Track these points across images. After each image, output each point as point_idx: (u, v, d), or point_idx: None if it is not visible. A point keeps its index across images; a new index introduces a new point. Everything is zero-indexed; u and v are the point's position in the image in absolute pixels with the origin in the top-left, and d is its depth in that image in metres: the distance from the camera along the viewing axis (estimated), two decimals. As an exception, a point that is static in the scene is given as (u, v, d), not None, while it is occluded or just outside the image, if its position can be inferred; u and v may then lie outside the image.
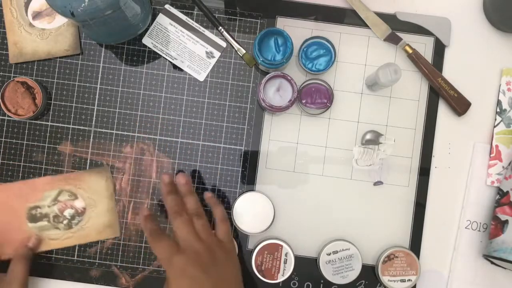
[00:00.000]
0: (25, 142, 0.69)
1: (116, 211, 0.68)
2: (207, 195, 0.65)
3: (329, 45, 0.67)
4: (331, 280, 0.66)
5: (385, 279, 0.66)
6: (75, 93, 0.69)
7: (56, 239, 0.68)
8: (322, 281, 0.68)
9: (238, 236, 0.68)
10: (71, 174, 0.68)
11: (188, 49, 0.69)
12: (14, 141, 0.69)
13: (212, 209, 0.64)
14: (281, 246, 0.65)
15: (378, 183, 0.69)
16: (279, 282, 0.67)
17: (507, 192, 0.65)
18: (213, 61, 0.69)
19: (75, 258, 0.68)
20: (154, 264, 0.68)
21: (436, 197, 0.69)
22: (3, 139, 0.69)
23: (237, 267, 0.61)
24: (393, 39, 0.69)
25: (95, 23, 0.59)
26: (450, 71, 0.69)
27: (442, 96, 0.68)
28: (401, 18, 0.69)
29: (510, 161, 0.68)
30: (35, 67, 0.69)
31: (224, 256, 0.59)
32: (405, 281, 0.66)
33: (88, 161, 0.69)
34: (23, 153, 0.69)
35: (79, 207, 0.68)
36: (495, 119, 0.69)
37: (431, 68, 0.68)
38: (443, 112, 0.69)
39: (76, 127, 0.69)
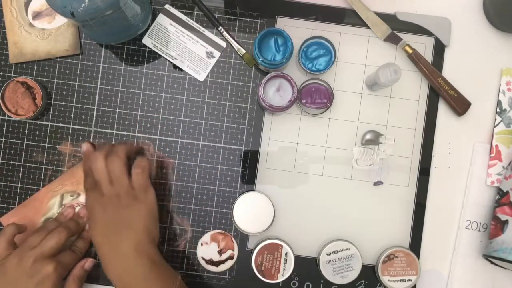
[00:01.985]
0: (25, 142, 0.69)
1: None
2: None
3: (329, 45, 0.67)
4: (331, 280, 0.66)
5: (385, 279, 0.66)
6: (75, 93, 0.69)
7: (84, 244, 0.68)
8: (322, 281, 0.68)
9: (238, 236, 0.68)
10: (64, 175, 0.68)
11: (188, 49, 0.69)
12: (14, 141, 0.69)
13: (136, 159, 0.65)
14: (281, 246, 0.66)
15: (378, 183, 0.69)
16: (279, 282, 0.67)
17: (507, 192, 0.65)
18: (213, 61, 0.69)
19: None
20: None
21: (436, 197, 0.69)
22: (3, 139, 0.69)
23: (143, 214, 0.61)
24: (393, 39, 0.69)
25: (95, 23, 0.59)
26: (450, 71, 0.69)
27: (442, 96, 0.68)
28: (401, 18, 0.69)
29: (510, 161, 0.68)
30: (35, 67, 0.69)
31: (129, 203, 0.61)
32: (405, 281, 0.66)
33: (88, 161, 0.69)
34: (23, 153, 0.69)
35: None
36: (495, 119, 0.69)
37: (431, 68, 0.68)
38: (443, 112, 0.69)
39: (76, 127, 0.69)
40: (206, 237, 0.67)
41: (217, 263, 0.67)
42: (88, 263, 0.65)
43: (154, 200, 0.63)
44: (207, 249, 0.67)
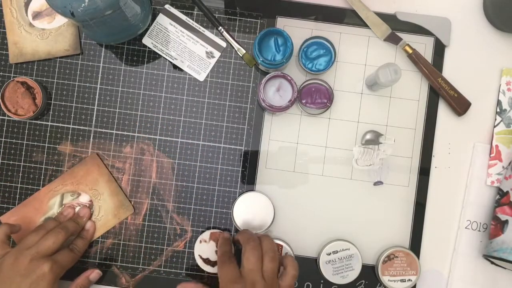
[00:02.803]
0: (25, 142, 0.69)
1: (121, 189, 0.68)
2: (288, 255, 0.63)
3: (329, 45, 0.67)
4: (331, 280, 0.66)
5: (385, 279, 0.66)
6: (75, 93, 0.69)
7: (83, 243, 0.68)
8: (322, 281, 0.68)
9: (238, 236, 0.68)
10: (65, 175, 0.68)
11: (188, 49, 0.69)
12: (14, 141, 0.69)
13: (284, 258, 0.62)
14: (281, 246, 0.65)
15: (378, 183, 0.69)
16: (279, 282, 0.67)
17: (507, 192, 0.65)
18: (213, 61, 0.69)
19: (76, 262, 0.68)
20: (154, 264, 0.68)
21: (436, 197, 0.69)
22: (3, 139, 0.69)
23: None
24: (393, 39, 0.69)
25: (95, 23, 0.59)
26: (450, 71, 0.69)
27: (442, 96, 0.68)
28: (401, 18, 0.69)
29: (510, 161, 0.68)
30: (35, 67, 0.69)
31: None
32: (405, 281, 0.66)
33: (88, 161, 0.69)
34: (23, 153, 0.69)
35: (85, 201, 0.68)
36: (495, 119, 0.69)
37: (431, 68, 0.68)
38: (443, 112, 0.69)
39: (76, 127, 0.69)
40: (206, 234, 0.67)
41: (213, 264, 0.67)
42: (94, 274, 0.65)
43: None
44: (206, 247, 0.67)
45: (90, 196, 0.68)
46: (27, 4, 0.69)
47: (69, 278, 0.68)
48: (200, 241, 0.67)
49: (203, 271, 0.68)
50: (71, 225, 0.65)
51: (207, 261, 0.67)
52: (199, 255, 0.67)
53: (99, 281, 0.68)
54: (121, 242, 0.68)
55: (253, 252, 0.59)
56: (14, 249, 0.61)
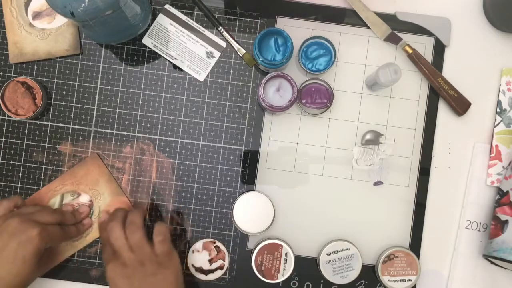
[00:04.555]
0: (25, 142, 0.69)
1: (121, 189, 0.68)
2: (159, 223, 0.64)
3: (329, 45, 0.67)
4: (331, 280, 0.66)
5: (385, 279, 0.66)
6: (75, 93, 0.69)
7: (79, 239, 0.68)
8: (322, 281, 0.68)
9: (238, 236, 0.68)
10: (65, 175, 0.68)
11: (188, 49, 0.69)
12: (14, 141, 0.69)
13: (155, 226, 0.63)
14: (281, 246, 0.66)
15: (378, 183, 0.69)
16: (279, 282, 0.67)
17: (507, 192, 0.65)
18: (213, 61, 0.69)
19: (75, 258, 0.68)
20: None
21: (436, 197, 0.69)
22: (3, 139, 0.69)
23: (171, 280, 0.60)
24: (393, 39, 0.69)
25: (95, 23, 0.59)
26: (450, 71, 0.69)
27: (442, 96, 0.68)
28: (401, 18, 0.69)
29: (510, 161, 0.68)
30: (35, 67, 0.69)
31: (155, 270, 0.59)
32: (405, 281, 0.66)
33: (88, 161, 0.69)
34: (23, 153, 0.69)
35: (85, 201, 0.68)
36: (495, 119, 0.69)
37: (431, 68, 0.68)
38: (443, 112, 0.69)
39: (76, 127, 0.69)
40: (198, 244, 0.67)
41: (206, 272, 0.67)
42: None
43: (179, 264, 0.61)
44: (198, 256, 0.67)
45: (90, 196, 0.68)
46: (27, 4, 0.69)
47: (70, 278, 0.68)
48: (193, 251, 0.67)
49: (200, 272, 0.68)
50: (68, 214, 0.65)
51: (199, 270, 0.67)
52: (192, 264, 0.67)
53: (99, 281, 0.68)
54: (121, 242, 0.68)
55: (113, 224, 0.61)
56: (7, 214, 0.61)
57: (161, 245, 0.61)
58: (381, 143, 0.68)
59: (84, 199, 0.68)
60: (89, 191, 0.68)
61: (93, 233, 0.68)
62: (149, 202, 0.69)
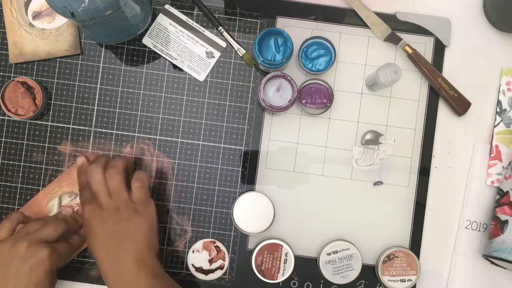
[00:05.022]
0: (25, 142, 0.69)
1: None
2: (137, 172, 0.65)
3: (329, 45, 0.67)
4: (331, 280, 0.66)
5: (385, 279, 0.66)
6: (75, 93, 0.69)
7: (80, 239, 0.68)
8: (322, 281, 0.68)
9: (238, 236, 0.68)
10: (60, 177, 0.68)
11: (188, 49, 0.69)
12: (14, 141, 0.69)
13: (135, 173, 0.64)
14: (281, 246, 0.66)
15: (378, 183, 0.69)
16: (279, 282, 0.67)
17: (507, 192, 0.65)
18: (213, 61, 0.69)
19: (75, 258, 0.68)
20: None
21: (436, 197, 0.69)
22: (3, 139, 0.69)
23: (144, 227, 0.61)
24: (393, 39, 0.69)
25: (95, 23, 0.59)
26: (450, 71, 0.69)
27: (442, 96, 0.68)
28: (401, 18, 0.69)
29: (510, 161, 0.68)
30: (35, 67, 0.69)
31: (129, 216, 0.60)
32: (405, 281, 0.66)
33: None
34: (23, 153, 0.69)
35: None
36: (495, 119, 0.69)
37: (431, 68, 0.68)
38: (443, 112, 0.69)
39: (76, 127, 0.69)
40: (198, 244, 0.67)
41: (206, 272, 0.67)
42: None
43: (155, 213, 0.62)
44: (198, 256, 0.67)
45: None
46: (27, 4, 0.69)
47: (70, 278, 0.68)
48: (193, 251, 0.67)
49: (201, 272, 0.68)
50: (70, 219, 0.65)
51: (199, 270, 0.67)
52: (192, 264, 0.67)
53: (99, 281, 0.68)
54: (121, 242, 0.68)
55: (94, 166, 0.62)
56: (12, 236, 0.61)
57: (138, 192, 0.62)
58: (381, 143, 0.68)
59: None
60: None
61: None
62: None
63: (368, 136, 0.68)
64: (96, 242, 0.60)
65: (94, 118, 0.69)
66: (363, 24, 0.69)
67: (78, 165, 0.66)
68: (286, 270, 0.65)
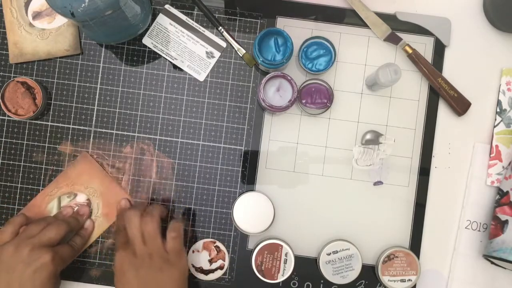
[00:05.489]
0: (25, 142, 0.69)
1: (115, 183, 0.68)
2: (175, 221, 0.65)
3: (329, 45, 0.67)
4: (331, 280, 0.66)
5: (385, 279, 0.66)
6: (75, 93, 0.69)
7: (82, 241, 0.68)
8: (322, 281, 0.68)
9: (238, 236, 0.68)
10: (58, 177, 0.68)
11: (188, 49, 0.69)
12: (14, 141, 0.69)
13: (171, 223, 0.64)
14: (281, 246, 0.66)
15: (378, 183, 0.69)
16: (279, 282, 0.67)
17: (507, 192, 0.65)
18: (213, 61, 0.69)
19: (76, 258, 0.68)
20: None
21: (436, 197, 0.69)
22: (3, 139, 0.69)
23: (176, 279, 0.60)
24: (393, 39, 0.69)
25: (95, 23, 0.59)
26: (450, 71, 0.69)
27: (442, 96, 0.68)
28: (401, 18, 0.69)
29: (510, 161, 0.68)
30: (35, 67, 0.69)
31: (162, 266, 0.59)
32: (405, 281, 0.66)
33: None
34: (23, 153, 0.69)
35: (83, 201, 0.68)
36: (495, 119, 0.69)
37: (431, 68, 0.68)
38: (443, 112, 0.69)
39: (76, 127, 0.69)
40: (198, 244, 0.67)
41: (206, 272, 0.67)
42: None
43: (187, 266, 0.62)
44: (198, 256, 0.67)
45: (87, 195, 0.68)
46: (27, 4, 0.69)
47: (70, 278, 0.68)
48: (193, 251, 0.67)
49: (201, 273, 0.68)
50: (71, 220, 0.65)
51: (200, 270, 0.67)
52: (192, 264, 0.67)
53: (99, 281, 0.68)
54: (121, 242, 0.68)
55: (132, 212, 0.62)
56: (14, 239, 0.61)
57: (173, 242, 0.61)
58: (381, 143, 0.68)
59: (81, 198, 0.68)
60: (84, 190, 0.68)
61: (94, 233, 0.68)
62: (148, 202, 0.69)
63: (368, 136, 0.68)
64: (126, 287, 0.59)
65: (94, 118, 0.69)
66: (363, 24, 0.69)
67: (121, 207, 0.66)
68: (286, 270, 0.65)
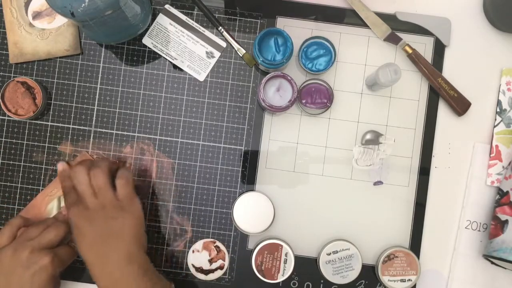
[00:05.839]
0: (25, 142, 0.69)
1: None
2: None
3: (329, 45, 0.67)
4: (331, 280, 0.66)
5: (385, 279, 0.66)
6: (75, 93, 0.69)
7: None
8: (322, 281, 0.68)
9: (238, 236, 0.68)
10: (58, 177, 0.68)
11: (188, 49, 0.69)
12: (14, 141, 0.69)
13: (118, 171, 0.64)
14: (281, 246, 0.66)
15: (378, 183, 0.69)
16: (279, 282, 0.67)
17: (507, 192, 0.65)
18: (213, 61, 0.69)
19: (76, 258, 0.68)
20: (153, 264, 0.68)
21: (436, 197, 0.69)
22: (3, 139, 0.69)
23: (131, 224, 0.60)
24: (393, 39, 0.69)
25: (95, 23, 0.59)
26: (450, 71, 0.69)
27: (442, 96, 0.68)
28: (401, 18, 0.69)
29: (510, 161, 0.68)
30: (35, 67, 0.69)
31: (116, 214, 0.60)
32: (405, 281, 0.66)
33: (88, 161, 0.69)
34: (23, 153, 0.69)
35: None
36: (495, 119, 0.69)
37: (431, 68, 0.68)
38: (443, 112, 0.69)
39: (76, 127, 0.69)
40: (198, 244, 0.67)
41: (206, 272, 0.67)
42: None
43: (141, 209, 0.62)
44: (198, 256, 0.67)
45: None
46: (27, 4, 0.69)
47: (70, 278, 0.68)
48: (193, 251, 0.67)
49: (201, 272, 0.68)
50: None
51: (199, 270, 0.67)
52: (192, 264, 0.67)
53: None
54: (121, 242, 0.68)
55: (79, 167, 0.62)
56: (13, 242, 0.61)
57: (123, 189, 0.62)
58: (381, 143, 0.68)
59: None
60: None
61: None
62: (148, 202, 0.69)
63: (368, 136, 0.68)
64: (84, 242, 0.59)
65: (94, 118, 0.69)
66: (363, 24, 0.69)
67: (59, 171, 0.65)
68: (286, 270, 0.65)
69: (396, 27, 0.69)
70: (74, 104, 0.69)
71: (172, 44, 0.69)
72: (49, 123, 0.69)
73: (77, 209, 0.60)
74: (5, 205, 0.69)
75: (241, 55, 0.69)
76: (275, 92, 0.64)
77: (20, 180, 0.69)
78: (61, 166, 0.66)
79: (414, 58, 0.68)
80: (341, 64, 0.69)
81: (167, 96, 0.69)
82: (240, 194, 0.68)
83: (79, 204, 0.60)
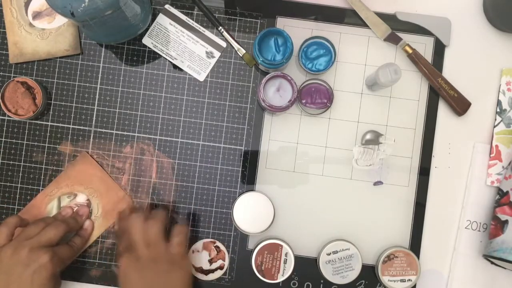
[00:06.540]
0: (25, 142, 0.69)
1: (116, 183, 0.68)
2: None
3: (329, 45, 0.67)
4: (331, 280, 0.66)
5: (385, 279, 0.66)
6: (75, 93, 0.69)
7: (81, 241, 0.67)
8: (322, 281, 0.68)
9: (238, 236, 0.68)
10: (58, 178, 0.68)
11: (188, 49, 0.69)
12: (14, 141, 0.69)
13: (174, 227, 0.64)
14: (281, 246, 0.66)
15: (378, 183, 0.69)
16: (279, 282, 0.67)
17: (507, 192, 0.65)
18: (213, 61, 0.69)
19: (76, 258, 0.68)
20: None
21: (436, 197, 0.69)
22: (3, 139, 0.69)
23: (183, 280, 0.60)
24: (393, 39, 0.69)
25: (95, 23, 0.59)
26: (450, 71, 0.69)
27: (442, 96, 0.68)
28: (401, 18, 0.69)
29: (510, 161, 0.68)
30: (35, 67, 0.69)
31: (168, 268, 0.59)
32: (405, 281, 0.66)
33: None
34: (23, 153, 0.69)
35: (83, 201, 0.68)
36: (495, 119, 0.69)
37: (431, 68, 0.68)
38: (443, 112, 0.69)
39: (76, 127, 0.69)
40: (198, 245, 0.67)
41: (206, 272, 0.67)
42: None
43: (191, 268, 0.63)
44: (198, 256, 0.67)
45: (87, 195, 0.68)
46: (27, 4, 0.69)
47: (70, 278, 0.68)
48: (193, 251, 0.67)
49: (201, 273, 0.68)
50: (71, 220, 0.65)
51: (200, 270, 0.67)
52: (192, 264, 0.67)
53: (99, 281, 0.68)
54: (121, 242, 0.68)
55: (135, 217, 0.62)
56: (13, 241, 0.61)
57: (177, 246, 0.62)
58: (381, 143, 0.68)
59: (81, 199, 0.68)
60: (84, 190, 0.68)
61: (94, 233, 0.68)
62: (148, 202, 0.69)
63: (368, 136, 0.68)
64: None
65: (94, 118, 0.69)
66: (363, 24, 0.69)
67: (120, 212, 0.66)
68: (286, 270, 0.65)
69: (396, 27, 0.69)
70: (74, 104, 0.69)
71: (172, 44, 0.69)
72: (49, 123, 0.69)
73: (128, 259, 0.60)
74: (5, 205, 0.69)
75: (241, 55, 0.69)
76: (275, 92, 0.64)
77: (20, 180, 0.69)
78: (124, 207, 0.66)
79: (414, 58, 0.68)
80: (341, 64, 0.69)
81: (167, 96, 0.69)
82: (240, 194, 0.68)
83: (131, 253, 0.60)
